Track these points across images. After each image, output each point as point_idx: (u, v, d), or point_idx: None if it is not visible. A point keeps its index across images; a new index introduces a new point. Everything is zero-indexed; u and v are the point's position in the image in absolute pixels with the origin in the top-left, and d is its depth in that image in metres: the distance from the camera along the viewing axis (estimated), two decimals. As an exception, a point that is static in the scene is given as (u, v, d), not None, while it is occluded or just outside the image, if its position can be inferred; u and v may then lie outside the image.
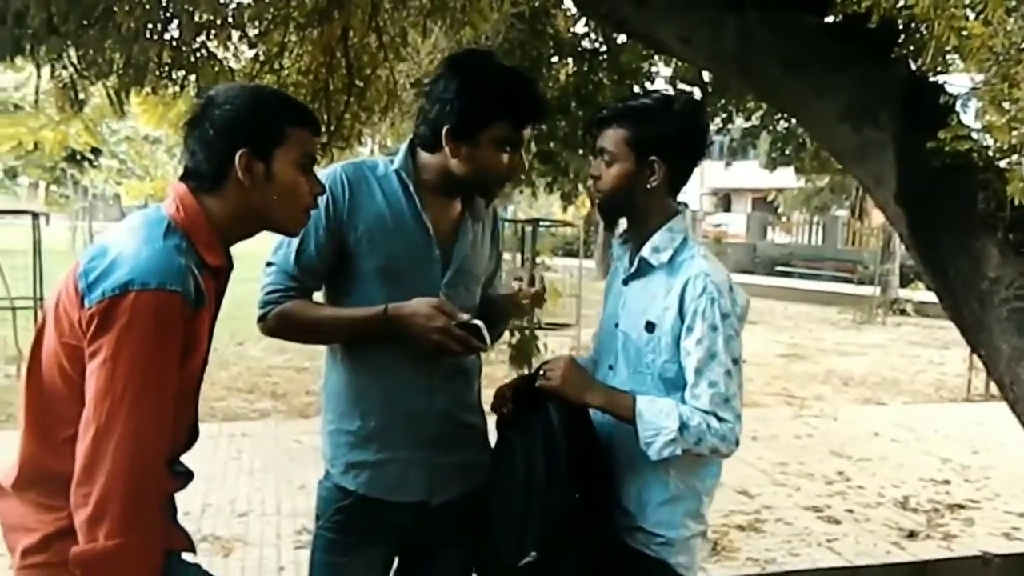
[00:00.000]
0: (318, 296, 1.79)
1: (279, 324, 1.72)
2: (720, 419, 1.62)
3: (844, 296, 15.94)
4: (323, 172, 1.73)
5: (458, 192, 1.76)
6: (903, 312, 14.88)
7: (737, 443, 1.65)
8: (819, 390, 8.05)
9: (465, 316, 1.63)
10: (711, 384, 1.62)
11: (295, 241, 1.69)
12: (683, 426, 1.60)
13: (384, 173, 1.74)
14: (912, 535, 4.08)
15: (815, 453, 5.54)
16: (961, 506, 4.54)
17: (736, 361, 1.65)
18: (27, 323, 6.80)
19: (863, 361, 9.95)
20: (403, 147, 1.76)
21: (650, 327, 1.70)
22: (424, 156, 1.74)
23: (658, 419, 1.61)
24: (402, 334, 1.64)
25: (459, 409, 1.80)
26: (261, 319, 1.73)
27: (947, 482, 5.00)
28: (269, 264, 1.73)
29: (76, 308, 1.30)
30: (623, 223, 1.82)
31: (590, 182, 1.79)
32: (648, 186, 1.71)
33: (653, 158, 1.69)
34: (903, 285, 15.92)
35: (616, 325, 1.79)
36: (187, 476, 1.54)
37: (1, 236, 7.03)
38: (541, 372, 1.70)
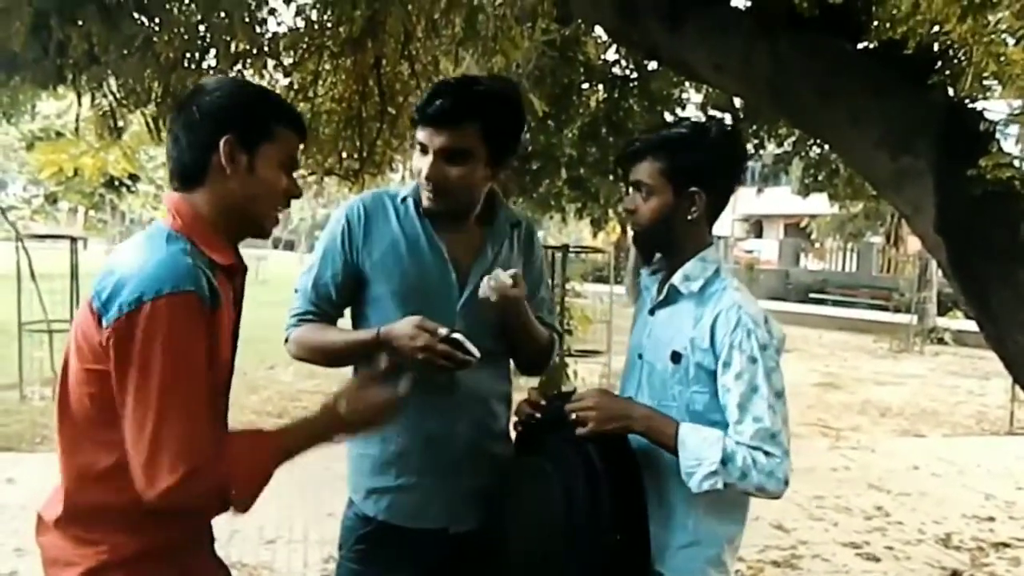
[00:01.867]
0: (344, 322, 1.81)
1: (295, 347, 1.77)
2: (767, 454, 1.53)
3: (880, 324, 15.68)
4: (346, 202, 1.80)
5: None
6: (941, 341, 14.57)
7: (787, 482, 1.55)
8: (856, 421, 7.88)
9: (444, 330, 1.59)
10: (755, 419, 1.54)
11: (315, 269, 1.74)
12: (727, 459, 1.52)
13: (402, 198, 1.76)
14: (955, 575, 3.95)
15: (853, 486, 5.41)
16: (1006, 544, 4.39)
17: (780, 394, 1.57)
18: (63, 346, 6.91)
19: (901, 391, 9.74)
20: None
21: (676, 357, 1.64)
22: None
23: (701, 449, 1.54)
24: (397, 354, 1.61)
25: (482, 435, 1.78)
26: (286, 341, 1.78)
27: (991, 519, 4.85)
28: (296, 290, 1.79)
29: (96, 332, 1.30)
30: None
31: (625, 215, 1.75)
32: (689, 217, 1.67)
33: (694, 189, 1.65)
34: (941, 313, 15.62)
35: (640, 356, 1.74)
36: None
37: (40, 260, 7.17)
38: (572, 414, 1.59)
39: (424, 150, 1.66)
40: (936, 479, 5.75)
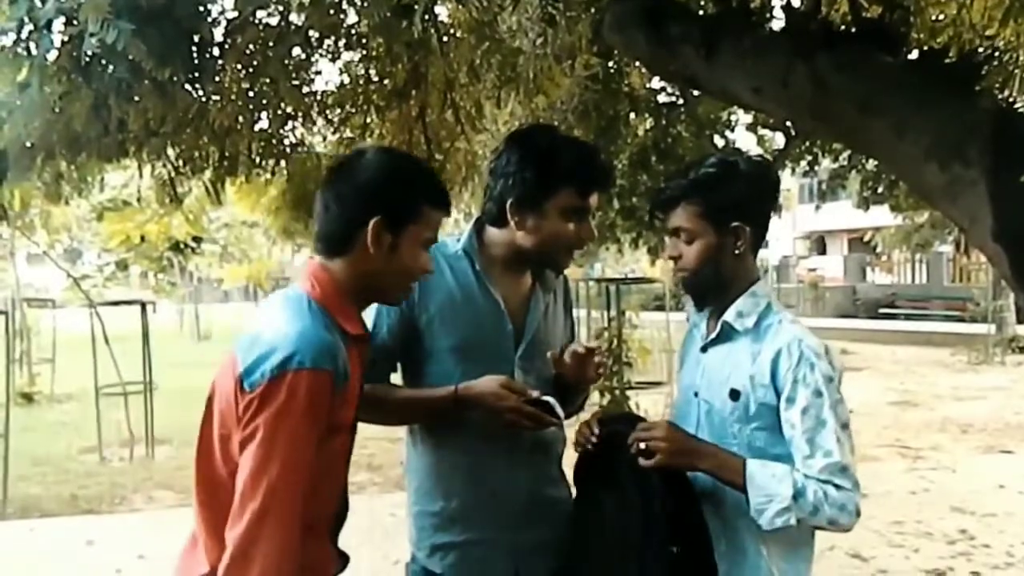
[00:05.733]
0: (396, 378, 1.81)
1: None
2: (837, 487, 1.54)
3: (956, 336, 15.07)
4: None
5: (527, 265, 1.77)
6: (1023, 350, 13.93)
7: (858, 513, 1.56)
8: (935, 439, 7.57)
9: (535, 393, 1.61)
10: (825, 453, 1.55)
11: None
12: (798, 494, 1.52)
13: (454, 252, 1.77)
14: (1053, 598, 3.75)
15: (934, 509, 5.19)
16: (1107, 564, 4.15)
17: (846, 426, 1.58)
18: (138, 406, 7.14)
19: (983, 405, 9.33)
20: (469, 226, 1.80)
21: (735, 395, 1.63)
22: (492, 232, 1.76)
23: (771, 485, 1.54)
24: (475, 412, 1.63)
25: (542, 484, 1.78)
26: None
27: (1089, 537, 4.59)
28: None
29: (233, 396, 1.33)
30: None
31: (671, 263, 1.73)
32: (736, 252, 1.67)
33: (735, 224, 1.66)
34: (1021, 321, 14.94)
35: (696, 394, 1.73)
36: (344, 559, 1.57)
37: (114, 325, 7.45)
38: (636, 443, 1.58)
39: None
40: (1025, 497, 5.47)
